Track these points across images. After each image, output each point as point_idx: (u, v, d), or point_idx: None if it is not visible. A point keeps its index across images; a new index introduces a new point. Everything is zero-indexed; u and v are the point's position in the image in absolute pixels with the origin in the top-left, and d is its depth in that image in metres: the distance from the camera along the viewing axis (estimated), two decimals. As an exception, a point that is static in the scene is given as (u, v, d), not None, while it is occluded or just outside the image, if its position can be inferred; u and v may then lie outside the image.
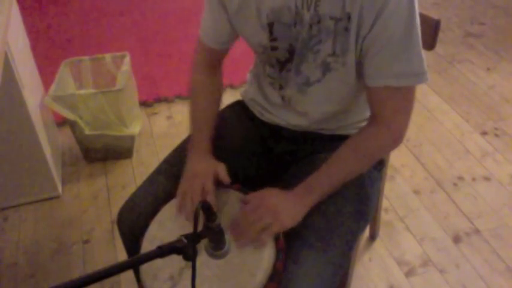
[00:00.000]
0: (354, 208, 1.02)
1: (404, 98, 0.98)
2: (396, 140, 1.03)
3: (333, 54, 0.97)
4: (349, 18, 0.91)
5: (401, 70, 0.94)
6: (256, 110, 1.24)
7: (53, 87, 1.90)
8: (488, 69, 2.65)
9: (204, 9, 1.12)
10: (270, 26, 0.99)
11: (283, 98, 1.12)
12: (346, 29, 0.93)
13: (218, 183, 1.03)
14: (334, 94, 1.07)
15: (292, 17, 0.96)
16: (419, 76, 0.95)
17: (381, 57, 0.93)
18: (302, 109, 1.12)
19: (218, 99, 1.19)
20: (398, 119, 1.00)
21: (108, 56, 2.12)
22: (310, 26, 0.95)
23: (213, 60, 1.18)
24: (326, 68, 1.00)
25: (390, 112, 0.99)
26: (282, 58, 1.04)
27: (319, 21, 0.94)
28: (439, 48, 2.68)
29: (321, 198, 0.98)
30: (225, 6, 1.04)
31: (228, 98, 2.53)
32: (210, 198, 0.97)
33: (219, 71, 1.21)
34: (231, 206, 0.99)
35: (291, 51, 1.02)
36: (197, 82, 1.18)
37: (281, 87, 1.10)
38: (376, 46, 0.92)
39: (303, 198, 0.97)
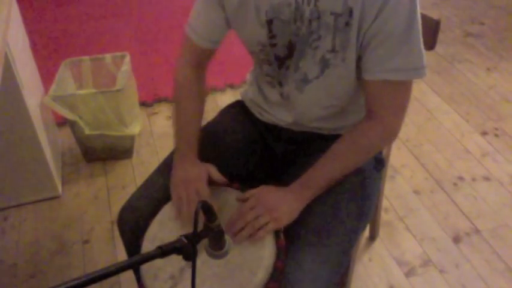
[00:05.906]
0: (354, 208, 1.02)
1: (401, 92, 0.99)
2: (391, 134, 1.04)
3: (332, 50, 0.97)
4: (351, 12, 0.91)
5: (401, 64, 0.93)
6: (256, 111, 1.23)
7: (53, 87, 1.90)
8: (488, 69, 2.65)
9: (195, 7, 1.10)
10: (269, 23, 0.99)
11: (281, 95, 1.12)
12: (347, 24, 0.92)
13: (216, 183, 1.03)
14: (332, 91, 1.06)
15: (291, 13, 0.96)
16: (418, 70, 0.95)
17: (380, 51, 0.93)
18: (300, 107, 1.12)
19: (203, 101, 1.16)
20: (393, 113, 1.00)
21: (108, 56, 2.12)
22: (310, 22, 0.95)
23: (201, 61, 1.15)
24: (325, 65, 1.00)
25: (386, 107, 0.99)
26: (281, 54, 1.04)
27: (319, 17, 0.94)
28: (439, 48, 2.69)
29: (317, 194, 0.99)
30: (223, 5, 1.04)
31: (228, 98, 2.53)
32: None
33: (204, 73, 1.17)
34: (231, 205, 0.99)
35: (291, 48, 1.01)
36: (183, 82, 1.14)
37: (280, 84, 1.10)
38: (377, 40, 0.92)
39: (299, 195, 0.97)
